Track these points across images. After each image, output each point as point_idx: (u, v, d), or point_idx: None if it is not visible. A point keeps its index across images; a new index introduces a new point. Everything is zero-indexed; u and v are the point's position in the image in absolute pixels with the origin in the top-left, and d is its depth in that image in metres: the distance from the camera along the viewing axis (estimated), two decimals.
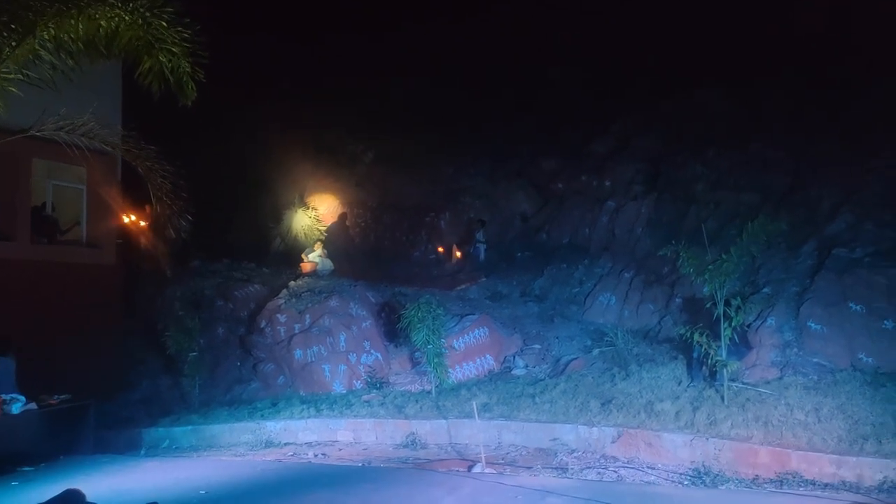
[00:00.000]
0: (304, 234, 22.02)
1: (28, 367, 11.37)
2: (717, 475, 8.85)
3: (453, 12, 25.93)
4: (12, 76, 8.59)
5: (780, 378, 10.74)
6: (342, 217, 24.43)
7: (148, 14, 8.63)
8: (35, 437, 11.35)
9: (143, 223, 20.31)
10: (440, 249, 22.23)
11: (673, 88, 21.17)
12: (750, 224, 11.02)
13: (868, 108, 15.96)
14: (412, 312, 13.11)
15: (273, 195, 23.94)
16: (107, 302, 15.10)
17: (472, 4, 26.36)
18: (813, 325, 11.52)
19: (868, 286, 11.53)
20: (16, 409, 10.58)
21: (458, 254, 21.33)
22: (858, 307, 11.36)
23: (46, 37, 8.41)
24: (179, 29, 8.80)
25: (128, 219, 19.35)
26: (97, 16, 8.54)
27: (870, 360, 10.87)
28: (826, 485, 8.25)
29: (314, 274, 17.77)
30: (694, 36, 21.10)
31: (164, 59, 8.69)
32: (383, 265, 21.45)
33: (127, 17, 8.55)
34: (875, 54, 16.73)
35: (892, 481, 7.94)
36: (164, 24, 8.72)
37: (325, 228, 22.82)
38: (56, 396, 11.54)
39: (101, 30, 8.60)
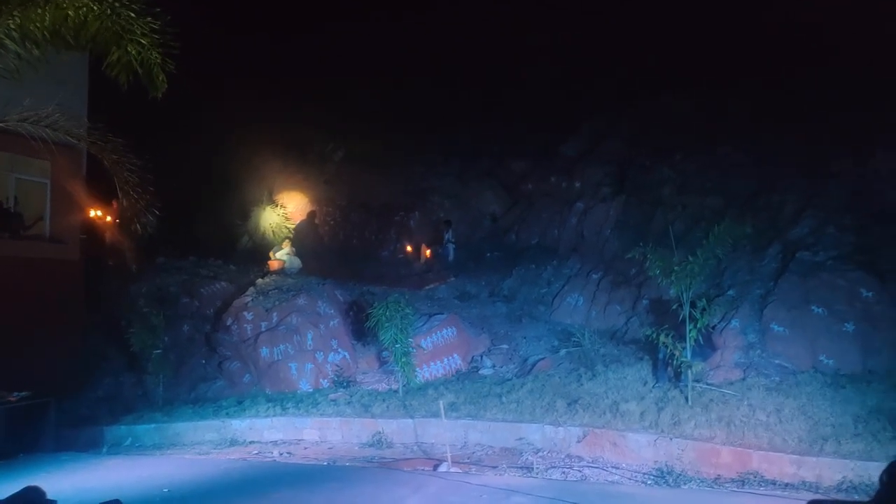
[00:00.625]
0: (273, 231, 21.92)
1: None
2: (680, 475, 8.94)
3: (424, 11, 25.93)
4: None
5: (744, 379, 10.88)
6: (311, 215, 24.33)
7: (116, 4, 8.50)
8: None
9: (108, 218, 20.07)
10: (409, 249, 22.22)
11: (641, 92, 21.43)
12: (716, 227, 11.14)
13: (829, 114, 16.28)
14: (380, 311, 13.08)
15: (241, 192, 23.78)
16: (69, 298, 14.86)
17: (443, 5, 26.39)
18: (776, 327, 11.69)
19: (830, 289, 11.74)
20: None
21: (428, 253, 21.34)
22: (820, 310, 11.56)
23: (12, 25, 8.25)
24: (148, 20, 8.68)
25: (93, 214, 19.10)
26: (65, 5, 8.40)
27: (830, 361, 11.06)
28: (786, 484, 8.38)
29: (282, 272, 17.66)
30: (661, 41, 21.39)
31: (132, 50, 8.56)
32: (352, 264, 21.37)
33: (95, 7, 8.42)
34: (836, 60, 17.07)
35: (850, 481, 8.08)
36: (133, 14, 8.60)
37: (293, 226, 22.71)
38: (16, 393, 11.38)
39: (68, 19, 8.45)
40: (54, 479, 9.04)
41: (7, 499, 5.16)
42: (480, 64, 24.99)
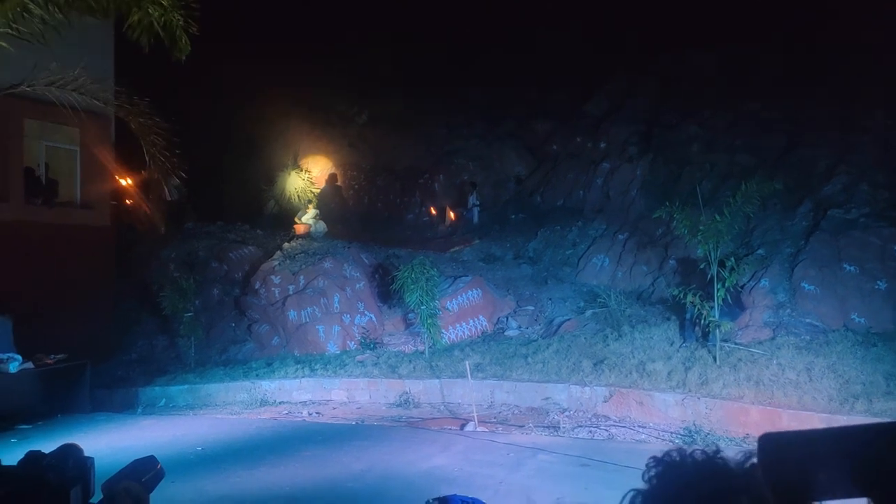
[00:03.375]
0: (298, 196, 21.94)
1: (24, 328, 11.41)
2: (708, 434, 8.94)
3: None
4: (1, 31, 8.42)
5: (773, 338, 10.80)
6: (336, 179, 24.34)
7: None
8: (32, 395, 11.44)
9: (137, 185, 20.25)
10: (433, 211, 22.21)
11: (665, 48, 21.00)
12: (745, 185, 10.99)
13: (861, 69, 15.87)
14: (406, 274, 13.14)
15: (266, 157, 23.80)
16: (101, 263, 15.07)
17: None
18: (806, 285, 11.57)
19: (862, 247, 11.57)
20: (13, 368, 10.66)
21: (452, 216, 21.32)
22: (852, 268, 11.41)
23: None
24: None
25: (123, 181, 19.27)
26: None
27: (862, 320, 10.93)
28: None
29: (308, 236, 17.73)
30: None
31: (153, 12, 8.51)
32: (377, 227, 21.43)
33: None
34: (866, 13, 16.57)
35: None
36: None
37: (318, 191, 22.73)
38: (52, 356, 11.60)
39: None
40: (91, 439, 9.24)
41: (46, 455, 5.28)
42: (501, 24, 24.64)
